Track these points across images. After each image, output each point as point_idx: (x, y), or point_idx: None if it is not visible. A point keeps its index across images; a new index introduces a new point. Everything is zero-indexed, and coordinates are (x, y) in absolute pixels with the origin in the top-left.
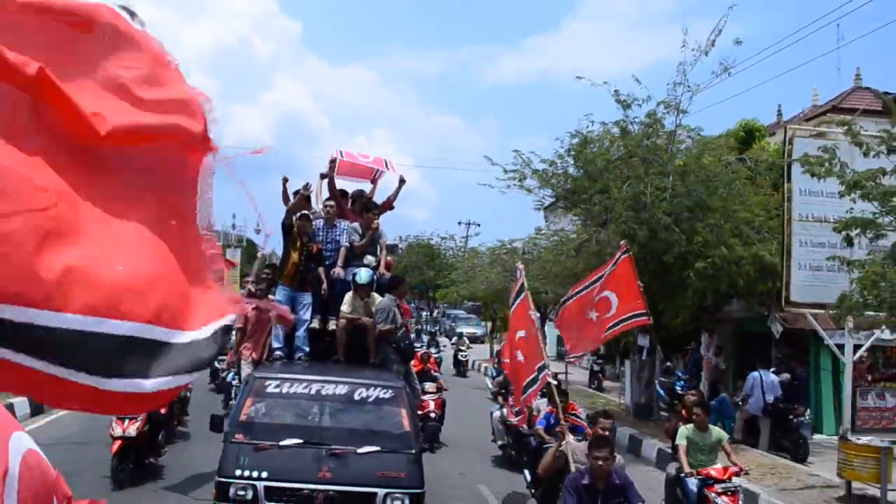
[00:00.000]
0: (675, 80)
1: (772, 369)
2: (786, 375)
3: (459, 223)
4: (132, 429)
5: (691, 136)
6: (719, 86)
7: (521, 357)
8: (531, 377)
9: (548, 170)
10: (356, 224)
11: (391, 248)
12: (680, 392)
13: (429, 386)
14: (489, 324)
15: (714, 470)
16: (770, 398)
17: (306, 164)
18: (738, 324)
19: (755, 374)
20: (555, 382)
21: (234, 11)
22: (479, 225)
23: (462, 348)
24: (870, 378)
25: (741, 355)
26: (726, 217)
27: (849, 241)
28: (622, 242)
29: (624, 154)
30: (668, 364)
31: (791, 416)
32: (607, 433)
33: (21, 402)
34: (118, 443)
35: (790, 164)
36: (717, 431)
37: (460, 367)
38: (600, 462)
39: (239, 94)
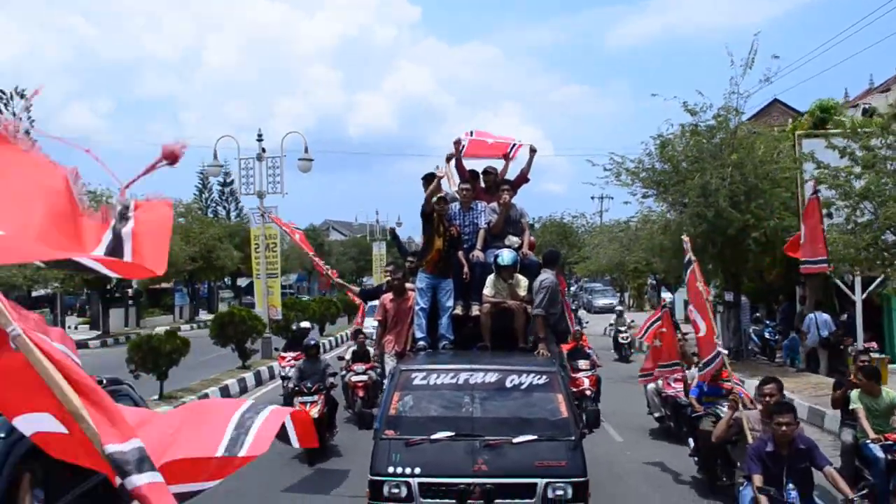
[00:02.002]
0: (730, 90)
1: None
2: (844, 315)
3: (592, 198)
4: (315, 411)
5: (754, 131)
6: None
7: (702, 330)
8: (712, 354)
9: (637, 167)
10: (494, 204)
11: (532, 228)
12: (768, 338)
13: (582, 363)
14: (619, 294)
15: None
16: (824, 333)
17: (434, 144)
18: (825, 276)
19: (811, 315)
20: (724, 352)
21: (353, 2)
22: (612, 198)
23: (622, 328)
24: None
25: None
26: (773, 196)
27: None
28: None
29: (695, 151)
30: (758, 314)
31: (842, 346)
32: (773, 398)
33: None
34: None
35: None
36: (891, 395)
37: (622, 350)
38: (784, 427)
39: (363, 82)
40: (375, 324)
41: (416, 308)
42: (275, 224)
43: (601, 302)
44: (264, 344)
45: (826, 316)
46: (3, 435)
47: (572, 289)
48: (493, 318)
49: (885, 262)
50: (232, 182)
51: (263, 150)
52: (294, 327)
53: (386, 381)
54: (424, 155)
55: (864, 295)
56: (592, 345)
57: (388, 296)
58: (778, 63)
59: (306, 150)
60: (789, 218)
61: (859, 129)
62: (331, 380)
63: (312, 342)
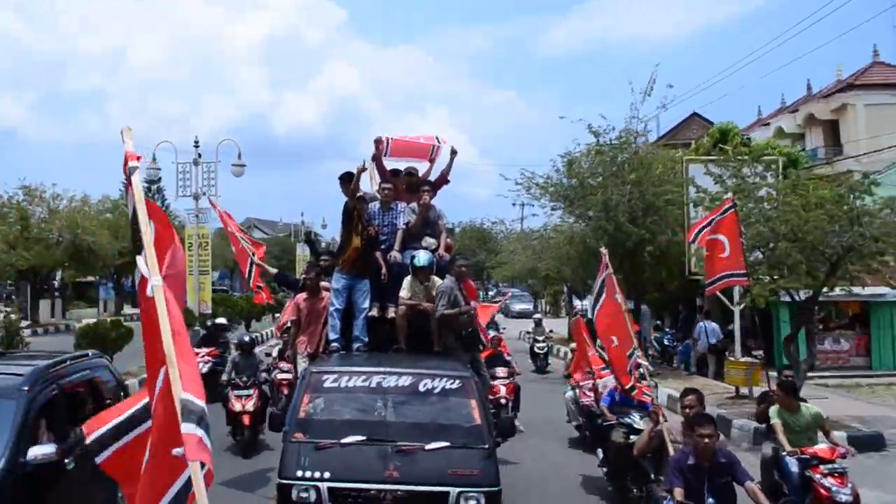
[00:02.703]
0: (631, 115)
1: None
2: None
3: (514, 204)
4: (250, 404)
5: (653, 153)
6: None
7: (615, 341)
8: (628, 364)
9: (546, 182)
10: (413, 204)
11: (450, 231)
12: (667, 344)
13: (500, 370)
14: (534, 301)
15: (819, 450)
16: (713, 340)
17: (357, 148)
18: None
19: (701, 323)
20: (646, 363)
21: (281, 3)
22: (532, 206)
23: (539, 338)
24: (821, 326)
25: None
26: (667, 213)
27: None
28: (726, 197)
29: (599, 169)
30: (658, 322)
31: (727, 352)
32: (693, 409)
33: None
34: (247, 416)
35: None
36: (811, 410)
37: (538, 361)
38: (706, 440)
39: (290, 82)
40: (280, 321)
41: (331, 308)
42: (220, 220)
43: (518, 307)
44: (193, 336)
45: (714, 325)
46: (27, 388)
47: (489, 293)
48: (409, 321)
49: (752, 276)
50: (159, 180)
51: (200, 155)
52: (209, 323)
53: (297, 384)
54: (351, 158)
55: (741, 306)
56: (511, 351)
57: (302, 295)
58: (673, 92)
59: (239, 157)
60: (680, 234)
61: (733, 158)
62: (263, 375)
63: (247, 338)
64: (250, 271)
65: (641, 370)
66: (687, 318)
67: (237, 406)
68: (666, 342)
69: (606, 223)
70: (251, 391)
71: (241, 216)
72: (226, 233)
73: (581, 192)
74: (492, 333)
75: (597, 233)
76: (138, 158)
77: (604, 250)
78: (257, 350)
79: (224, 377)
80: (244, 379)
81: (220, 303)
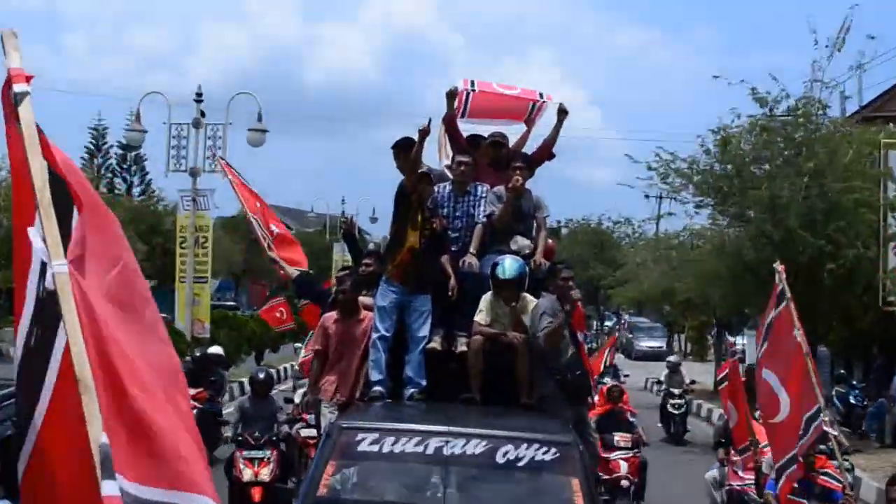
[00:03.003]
0: (812, 77)
1: None
2: None
3: (647, 196)
4: (266, 471)
5: (842, 131)
6: None
7: (784, 396)
8: (800, 431)
9: (691, 168)
10: (500, 188)
11: (555, 232)
12: (854, 403)
13: (619, 437)
14: (669, 336)
15: None
16: None
17: (424, 107)
18: None
19: None
20: (833, 433)
21: None
22: (674, 199)
23: (675, 391)
24: None
25: None
26: (858, 218)
27: None
28: (777, 266)
29: (764, 153)
30: (842, 371)
31: None
32: None
33: None
34: (258, 490)
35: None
36: None
37: (672, 424)
38: None
39: (331, 8)
40: (302, 354)
41: (374, 336)
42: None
43: (645, 345)
44: (186, 368)
45: None
46: None
47: (607, 324)
48: (487, 358)
49: None
50: (138, 147)
51: (203, 114)
52: (198, 353)
53: (319, 444)
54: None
55: None
56: (636, 408)
57: (332, 315)
58: (875, 46)
59: (259, 118)
60: (875, 247)
61: None
62: (285, 429)
63: (262, 375)
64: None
65: (831, 444)
66: (884, 366)
67: (247, 474)
68: (853, 400)
69: (772, 228)
70: (267, 453)
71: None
72: (236, 192)
73: (738, 183)
74: (608, 382)
75: (757, 241)
76: (28, 80)
77: (779, 267)
78: (275, 392)
79: (228, 431)
80: (257, 434)
81: (222, 323)
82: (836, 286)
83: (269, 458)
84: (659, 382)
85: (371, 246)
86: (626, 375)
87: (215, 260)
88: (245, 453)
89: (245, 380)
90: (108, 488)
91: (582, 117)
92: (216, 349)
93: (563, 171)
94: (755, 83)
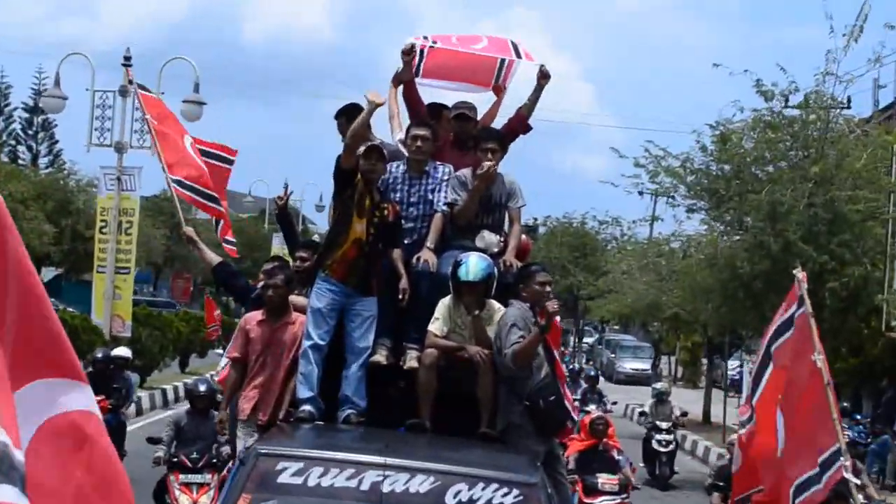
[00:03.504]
0: (826, 70)
1: None
2: None
3: (641, 193)
4: (205, 498)
5: (854, 130)
6: None
7: (782, 429)
8: (810, 472)
9: (684, 166)
10: (465, 171)
11: (531, 229)
12: (859, 441)
13: (604, 481)
14: (655, 356)
15: None
16: None
17: (386, 72)
18: None
19: None
20: (855, 481)
21: None
22: (672, 197)
23: (662, 424)
24: None
25: None
26: (866, 232)
27: None
28: (798, 273)
29: (766, 154)
30: (845, 405)
31: None
32: None
33: None
34: None
35: None
36: None
37: (658, 464)
38: None
39: None
40: (223, 364)
41: (306, 345)
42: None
43: (629, 366)
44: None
45: None
46: None
47: (587, 340)
48: (442, 377)
49: None
50: (44, 112)
51: (131, 81)
52: (100, 354)
53: (231, 473)
54: (377, 84)
55: None
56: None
57: (256, 315)
58: None
59: (197, 88)
60: (883, 266)
61: None
62: (226, 450)
63: (203, 387)
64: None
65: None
66: (893, 399)
67: (183, 501)
68: (853, 435)
69: (771, 238)
70: (207, 477)
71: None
72: (153, 134)
73: (737, 186)
74: (592, 411)
75: (753, 252)
76: None
77: (800, 274)
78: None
79: (160, 452)
80: (195, 456)
81: (145, 321)
82: (839, 308)
83: (209, 484)
84: (643, 414)
85: (315, 237)
86: (614, 403)
87: (139, 249)
88: (181, 477)
89: (168, 388)
90: (4, 494)
91: (571, 95)
92: (122, 350)
93: (544, 156)
94: (765, 69)
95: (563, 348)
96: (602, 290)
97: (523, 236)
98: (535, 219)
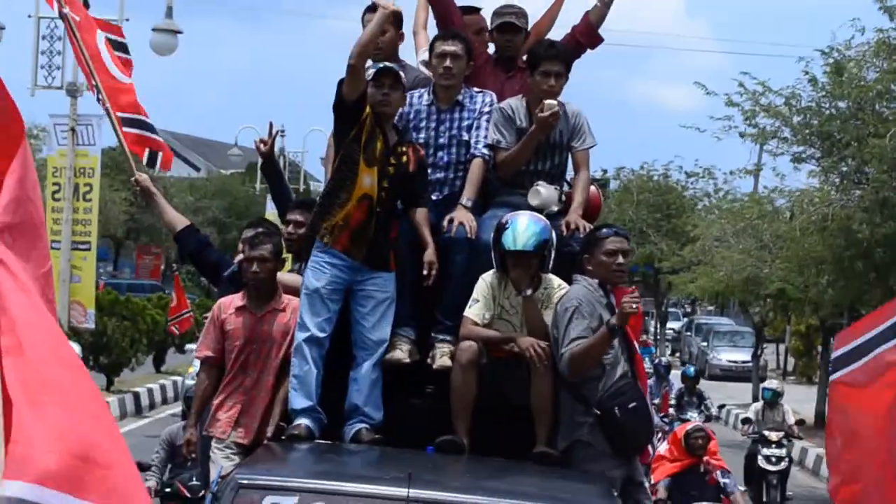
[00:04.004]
0: None
1: None
2: None
3: (742, 136)
4: None
5: None
6: None
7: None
8: None
9: (788, 104)
10: (514, 101)
11: (600, 184)
12: None
13: None
14: (757, 344)
15: None
16: None
17: None
18: None
19: None
20: None
21: None
22: (784, 139)
23: (772, 436)
24: None
25: None
26: None
27: None
28: None
29: (893, 86)
30: None
31: None
32: None
33: None
34: None
35: None
36: None
37: (767, 487)
38: None
39: None
40: (195, 368)
41: (300, 338)
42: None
43: (725, 357)
44: None
45: None
46: None
47: (672, 326)
48: (484, 378)
49: None
50: None
51: (87, 3)
52: None
53: None
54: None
55: None
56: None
57: (233, 301)
58: None
59: (170, 13)
60: None
61: None
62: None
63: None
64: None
65: None
66: None
67: None
68: None
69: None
70: None
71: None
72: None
73: (855, 128)
74: (693, 419)
75: (873, 211)
76: None
77: None
78: (164, 416)
79: (150, 480)
80: (194, 483)
81: (113, 310)
82: None
83: None
84: (747, 421)
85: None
86: (721, 407)
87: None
88: None
89: (141, 391)
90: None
91: (652, 5)
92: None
93: (613, 87)
94: None
95: (645, 336)
96: (688, 262)
97: (592, 188)
98: (605, 170)
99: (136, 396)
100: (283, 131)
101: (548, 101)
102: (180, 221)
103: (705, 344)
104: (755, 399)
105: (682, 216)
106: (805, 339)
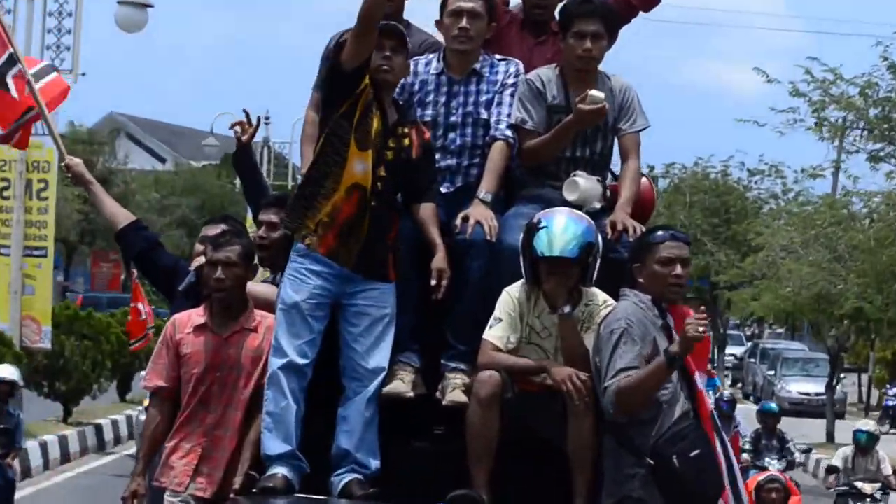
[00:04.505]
0: None
1: None
2: None
3: (820, 123)
4: None
5: None
6: None
7: None
8: None
9: (864, 93)
10: (544, 72)
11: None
12: None
13: None
14: (833, 372)
15: None
16: None
17: None
18: None
19: None
20: None
21: None
22: (870, 130)
23: (864, 487)
24: None
25: None
26: None
27: None
28: None
29: None
30: None
31: None
32: None
33: None
34: None
35: None
36: None
37: None
38: None
39: None
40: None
41: (277, 366)
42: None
43: (796, 389)
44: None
45: None
46: None
47: (733, 351)
48: (509, 418)
49: None
50: None
51: None
52: None
53: None
54: None
55: None
56: None
57: (193, 317)
58: None
59: None
60: None
61: None
62: None
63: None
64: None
65: None
66: None
67: None
68: None
69: None
70: None
71: (99, 110)
72: None
73: None
74: (772, 466)
75: None
76: None
77: None
78: (117, 457)
79: None
80: None
81: (71, 327)
82: None
83: None
84: (833, 470)
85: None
86: (807, 451)
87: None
88: None
89: (104, 423)
90: None
91: None
92: (6, 371)
93: (669, 67)
94: None
95: (711, 367)
96: (750, 275)
97: (644, 180)
98: (651, 167)
99: (99, 429)
100: (267, 119)
101: (592, 93)
102: (124, 216)
103: (772, 373)
104: (829, 438)
105: (743, 221)
106: (892, 368)
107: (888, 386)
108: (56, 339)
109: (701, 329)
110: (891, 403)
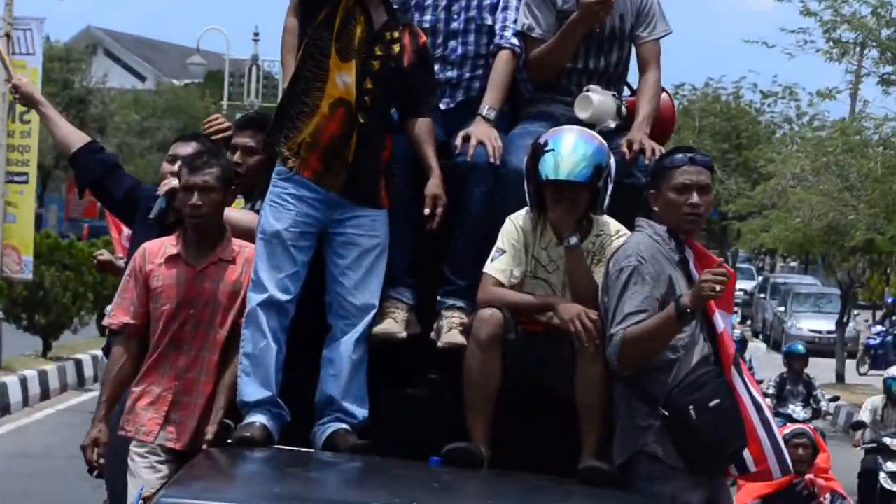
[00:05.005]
0: None
1: None
2: None
3: (831, 43)
4: None
5: None
6: None
7: None
8: None
9: (878, 12)
10: None
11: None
12: None
13: None
14: (844, 308)
15: None
16: None
17: None
18: None
19: None
20: None
21: None
22: (882, 51)
23: (893, 443)
24: None
25: None
26: None
27: None
28: None
29: None
30: None
31: None
32: None
33: None
34: None
35: None
36: None
37: None
38: None
39: None
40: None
41: (256, 301)
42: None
43: (807, 326)
44: None
45: None
46: None
47: (743, 286)
48: (511, 361)
49: None
50: None
51: None
52: None
53: None
54: None
55: None
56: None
57: (163, 247)
58: None
59: None
60: None
61: None
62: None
63: None
64: None
65: None
66: None
67: None
68: None
69: None
70: None
71: (76, 24)
72: None
73: None
74: (797, 417)
75: None
76: None
77: None
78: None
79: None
80: None
81: (52, 257)
82: None
83: None
84: (858, 425)
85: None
86: (834, 399)
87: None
88: None
89: (84, 358)
90: None
91: None
92: None
93: None
94: None
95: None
96: (759, 204)
97: (664, 96)
98: (662, 88)
99: (79, 365)
100: (256, 35)
101: None
102: (78, 138)
103: (782, 309)
104: (839, 379)
105: (755, 147)
106: None
107: (871, 324)
108: (36, 269)
109: (718, 288)
110: (872, 343)
